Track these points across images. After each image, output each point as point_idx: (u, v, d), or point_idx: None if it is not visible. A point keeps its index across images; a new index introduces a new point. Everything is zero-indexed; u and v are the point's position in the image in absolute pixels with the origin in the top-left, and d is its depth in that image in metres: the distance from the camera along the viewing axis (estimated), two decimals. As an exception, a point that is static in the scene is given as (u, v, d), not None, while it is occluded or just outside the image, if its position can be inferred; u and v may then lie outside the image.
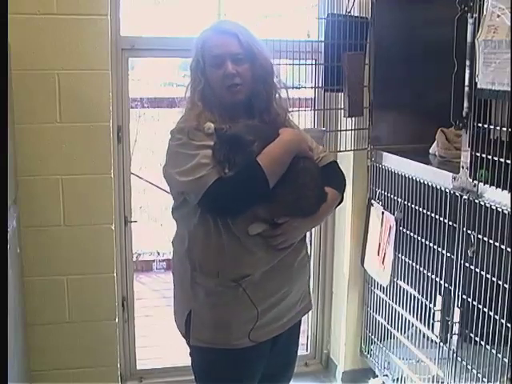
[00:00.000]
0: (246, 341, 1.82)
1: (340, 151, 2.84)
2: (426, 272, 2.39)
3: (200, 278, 1.82)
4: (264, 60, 1.84)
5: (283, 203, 1.76)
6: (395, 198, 2.55)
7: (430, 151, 2.54)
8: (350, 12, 2.66)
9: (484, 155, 1.94)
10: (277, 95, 1.89)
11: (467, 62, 1.97)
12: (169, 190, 1.89)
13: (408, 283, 2.52)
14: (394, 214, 2.53)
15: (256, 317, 1.82)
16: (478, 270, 2.05)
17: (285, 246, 1.81)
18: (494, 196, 1.94)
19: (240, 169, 1.69)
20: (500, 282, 1.93)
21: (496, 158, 1.87)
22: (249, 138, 1.71)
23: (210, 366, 1.90)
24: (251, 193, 1.72)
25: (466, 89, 1.99)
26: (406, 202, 2.48)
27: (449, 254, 2.21)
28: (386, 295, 2.71)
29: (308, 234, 3.09)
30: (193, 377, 1.96)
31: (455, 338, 2.17)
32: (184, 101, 1.89)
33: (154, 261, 4.94)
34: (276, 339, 1.91)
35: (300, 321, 2.03)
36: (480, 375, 2.06)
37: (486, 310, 2.02)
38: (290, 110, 2.06)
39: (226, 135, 1.72)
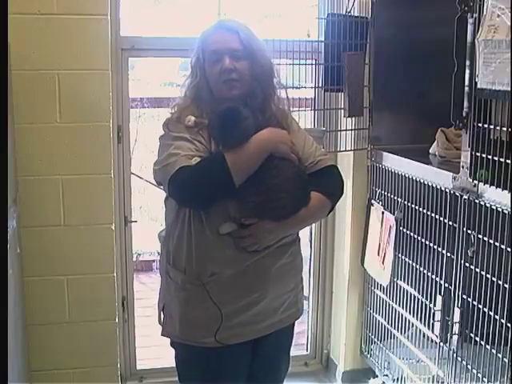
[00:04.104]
0: (212, 340, 1.81)
1: (340, 151, 2.84)
2: (426, 272, 2.39)
3: (172, 272, 1.84)
4: (264, 59, 1.84)
5: (251, 203, 1.73)
6: (395, 198, 2.55)
7: (430, 151, 2.54)
8: (349, 12, 2.66)
9: (484, 155, 1.93)
10: (275, 96, 1.88)
11: (467, 62, 1.96)
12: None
13: (408, 283, 2.52)
14: (394, 214, 2.53)
15: (220, 318, 1.80)
16: (478, 270, 2.05)
17: (256, 249, 1.77)
18: (494, 196, 1.93)
19: (204, 159, 1.71)
20: (500, 282, 1.93)
21: (496, 158, 1.87)
22: (244, 114, 1.72)
23: (183, 361, 1.93)
24: (213, 185, 1.70)
25: (466, 89, 1.99)
26: (406, 202, 2.47)
27: (449, 254, 2.21)
28: (386, 295, 2.70)
29: (308, 234, 3.14)
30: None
31: (455, 337, 2.17)
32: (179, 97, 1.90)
33: (153, 261, 4.93)
34: (258, 343, 1.88)
35: (290, 327, 1.99)
36: (480, 375, 2.06)
37: (486, 309, 2.02)
38: (292, 109, 2.04)
39: (221, 109, 1.73)
